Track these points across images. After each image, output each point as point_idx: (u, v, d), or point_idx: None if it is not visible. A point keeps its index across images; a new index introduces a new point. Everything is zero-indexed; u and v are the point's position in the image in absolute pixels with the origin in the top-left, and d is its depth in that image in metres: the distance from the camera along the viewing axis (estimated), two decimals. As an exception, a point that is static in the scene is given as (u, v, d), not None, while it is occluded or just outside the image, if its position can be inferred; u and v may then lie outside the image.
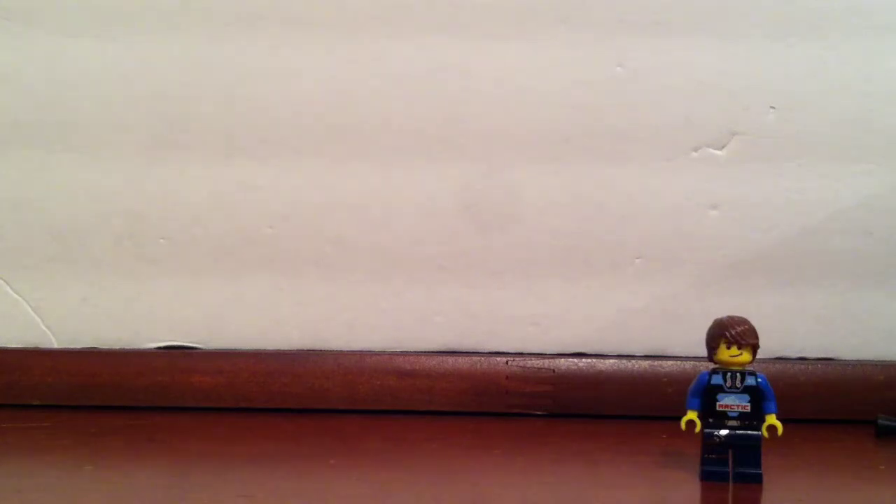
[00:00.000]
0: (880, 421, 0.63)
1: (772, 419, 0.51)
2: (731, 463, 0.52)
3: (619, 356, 0.68)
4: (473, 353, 0.69)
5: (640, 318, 0.69)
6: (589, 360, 0.68)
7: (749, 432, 0.52)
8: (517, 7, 0.67)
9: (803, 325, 0.68)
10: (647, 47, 0.67)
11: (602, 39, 0.67)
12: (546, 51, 0.68)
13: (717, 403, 0.52)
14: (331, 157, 0.69)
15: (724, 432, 0.52)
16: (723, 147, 0.67)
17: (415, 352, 0.69)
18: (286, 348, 0.70)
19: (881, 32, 0.66)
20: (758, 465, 0.51)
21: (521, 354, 0.68)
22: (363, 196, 0.69)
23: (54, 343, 0.71)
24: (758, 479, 0.51)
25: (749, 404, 0.52)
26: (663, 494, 0.51)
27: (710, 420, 0.52)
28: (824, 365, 0.68)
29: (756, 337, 0.52)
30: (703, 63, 0.67)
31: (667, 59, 0.67)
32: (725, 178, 0.67)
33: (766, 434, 0.52)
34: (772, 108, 0.67)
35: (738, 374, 0.52)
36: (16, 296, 0.71)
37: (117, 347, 0.70)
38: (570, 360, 0.68)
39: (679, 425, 0.52)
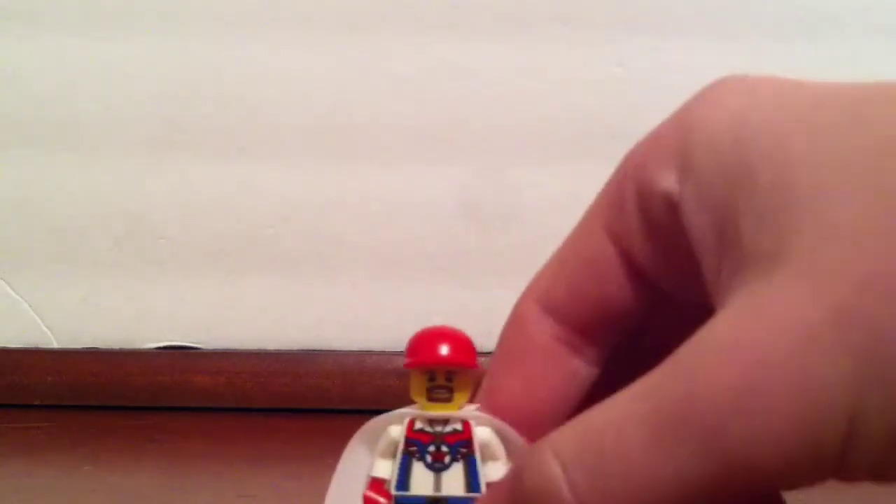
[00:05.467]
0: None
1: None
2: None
3: (619, 356, 0.68)
4: (473, 353, 0.68)
5: (640, 318, 0.69)
6: (589, 360, 0.68)
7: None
8: (517, 7, 0.67)
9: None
10: (647, 47, 0.67)
11: (602, 39, 0.67)
12: (546, 51, 0.68)
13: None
14: (331, 157, 0.69)
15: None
16: (723, 147, 0.67)
17: (415, 352, 0.69)
18: (286, 348, 0.70)
19: (881, 32, 0.66)
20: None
21: (521, 354, 0.68)
22: (363, 196, 0.69)
23: (54, 343, 0.71)
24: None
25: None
26: None
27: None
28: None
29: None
30: (703, 63, 0.67)
31: (667, 59, 0.67)
32: (725, 178, 0.67)
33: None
34: (772, 108, 0.67)
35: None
36: (16, 296, 0.71)
37: (117, 347, 0.70)
38: (570, 360, 0.68)
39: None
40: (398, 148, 0.68)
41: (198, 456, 0.58)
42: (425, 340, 0.27)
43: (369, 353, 0.69)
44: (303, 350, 0.70)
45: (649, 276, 0.26)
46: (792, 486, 0.21)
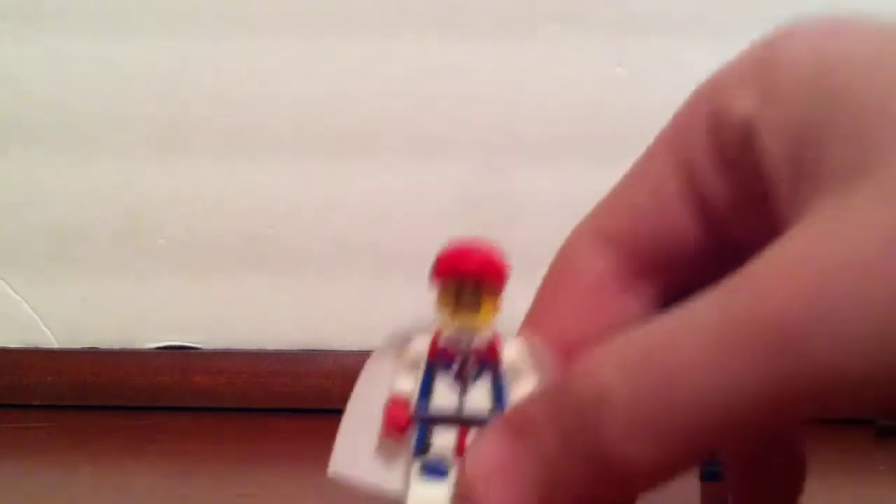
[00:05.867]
0: (880, 421, 0.63)
1: (772, 419, 0.51)
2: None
3: (619, 356, 0.68)
4: (473, 353, 0.68)
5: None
6: (589, 360, 0.68)
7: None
8: (517, 7, 0.67)
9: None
10: (647, 47, 0.67)
11: (602, 39, 0.67)
12: (546, 51, 0.68)
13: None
14: (331, 157, 0.69)
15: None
16: (723, 147, 0.67)
17: (415, 352, 0.69)
18: (286, 348, 0.70)
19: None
20: (758, 465, 0.51)
21: (521, 354, 0.68)
22: (363, 196, 0.69)
23: (54, 343, 0.71)
24: (758, 479, 0.51)
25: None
26: (663, 494, 0.51)
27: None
28: (824, 365, 0.68)
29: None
30: (703, 63, 0.67)
31: (667, 59, 0.67)
32: (725, 178, 0.67)
33: (766, 434, 0.51)
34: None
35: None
36: (16, 296, 0.71)
37: (117, 347, 0.70)
38: (570, 360, 0.68)
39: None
40: (398, 148, 0.68)
41: (198, 456, 0.58)
42: (454, 251, 0.26)
43: (369, 353, 0.69)
44: (303, 350, 0.70)
45: (715, 211, 0.24)
46: (858, 411, 0.20)
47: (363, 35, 0.68)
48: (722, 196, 0.24)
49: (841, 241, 0.19)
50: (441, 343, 0.25)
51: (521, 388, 0.24)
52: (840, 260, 0.19)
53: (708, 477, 0.52)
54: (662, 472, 0.21)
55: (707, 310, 0.20)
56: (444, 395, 0.25)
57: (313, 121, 0.68)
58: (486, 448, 0.23)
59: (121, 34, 0.68)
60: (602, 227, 0.26)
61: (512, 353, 0.25)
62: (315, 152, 0.69)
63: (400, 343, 0.26)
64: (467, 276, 0.25)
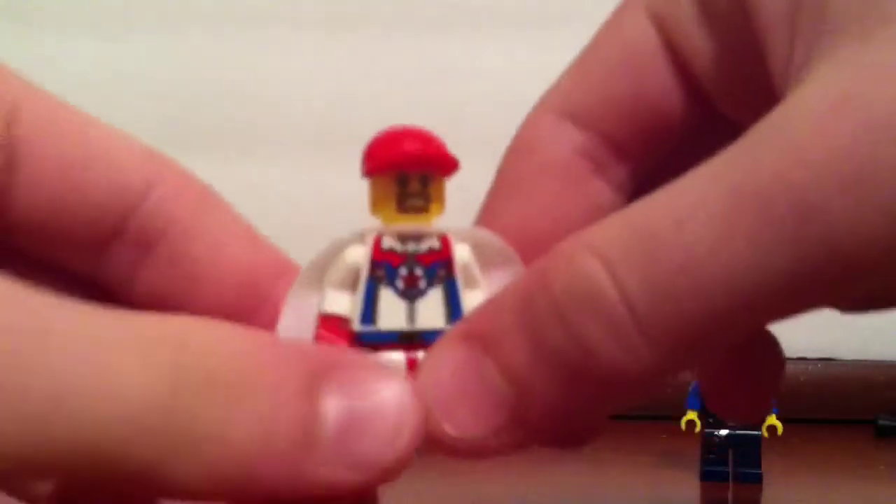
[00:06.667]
0: (880, 421, 0.63)
1: (772, 419, 0.51)
2: (731, 463, 0.52)
3: (619, 356, 0.68)
4: (473, 353, 0.68)
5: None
6: (589, 360, 0.68)
7: (749, 432, 0.52)
8: (517, 7, 0.67)
9: (803, 325, 0.68)
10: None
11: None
12: (546, 51, 0.67)
13: (718, 403, 0.52)
14: (331, 156, 0.69)
15: (724, 432, 0.52)
16: (723, 147, 0.67)
17: (415, 352, 0.69)
18: (286, 348, 0.70)
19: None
20: (758, 465, 0.51)
21: (521, 354, 0.68)
22: (364, 196, 0.69)
23: (54, 343, 0.71)
24: (758, 479, 0.51)
25: (749, 404, 0.52)
26: (663, 494, 0.51)
27: (710, 420, 0.52)
28: (824, 365, 0.68)
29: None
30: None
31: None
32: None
33: (765, 434, 0.52)
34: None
35: (738, 374, 0.52)
36: (16, 296, 0.71)
37: (117, 347, 0.70)
38: (570, 360, 0.68)
39: (679, 425, 0.52)
40: (398, 148, 0.68)
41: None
42: (392, 138, 0.21)
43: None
44: (303, 350, 0.70)
45: (699, 75, 0.21)
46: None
47: (363, 35, 0.68)
48: (706, 57, 0.21)
49: (868, 93, 0.16)
50: (382, 251, 0.21)
51: (480, 296, 0.21)
52: (868, 115, 0.16)
53: (708, 477, 0.52)
54: (654, 380, 0.18)
55: (711, 182, 0.17)
56: (390, 313, 0.20)
57: (313, 121, 0.68)
58: (441, 367, 0.19)
59: (121, 34, 0.68)
60: (567, 102, 0.23)
61: (466, 255, 0.21)
62: (315, 152, 0.69)
63: (330, 258, 0.22)
64: (412, 166, 0.21)
